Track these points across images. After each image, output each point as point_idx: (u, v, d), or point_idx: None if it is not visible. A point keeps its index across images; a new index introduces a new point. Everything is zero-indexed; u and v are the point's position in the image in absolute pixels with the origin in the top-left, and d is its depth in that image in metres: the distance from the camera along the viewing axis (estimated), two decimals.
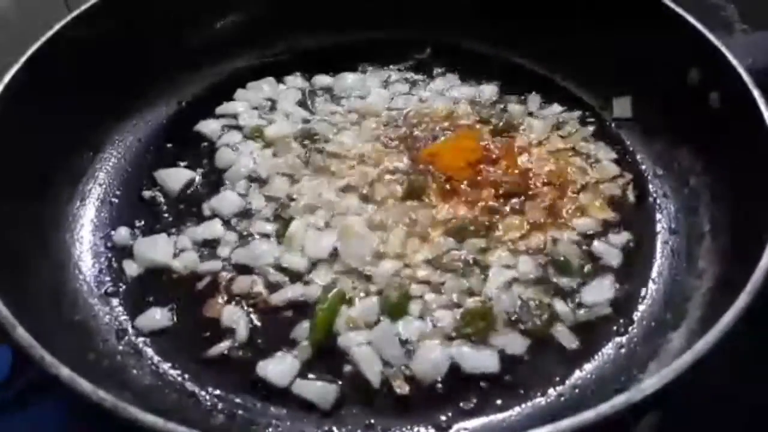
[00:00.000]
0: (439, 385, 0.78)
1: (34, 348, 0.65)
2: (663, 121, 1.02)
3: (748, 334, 0.70)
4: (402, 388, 0.78)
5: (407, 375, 0.79)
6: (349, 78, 1.15)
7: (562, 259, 0.89)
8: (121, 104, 1.07)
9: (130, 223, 0.95)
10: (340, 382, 0.79)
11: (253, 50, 1.18)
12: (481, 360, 0.80)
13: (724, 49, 0.90)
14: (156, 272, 0.90)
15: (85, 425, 0.83)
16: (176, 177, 1.00)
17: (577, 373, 0.80)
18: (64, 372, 0.63)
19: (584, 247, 0.91)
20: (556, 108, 1.10)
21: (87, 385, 0.62)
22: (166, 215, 0.97)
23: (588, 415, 0.61)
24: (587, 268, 0.89)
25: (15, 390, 0.85)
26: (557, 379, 0.80)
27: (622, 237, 0.93)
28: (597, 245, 0.92)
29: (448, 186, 0.97)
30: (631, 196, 0.98)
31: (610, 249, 0.91)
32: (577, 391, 0.79)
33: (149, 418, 0.60)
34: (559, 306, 0.85)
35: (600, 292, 0.87)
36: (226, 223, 0.94)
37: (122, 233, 0.94)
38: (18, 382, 0.85)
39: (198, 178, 1.01)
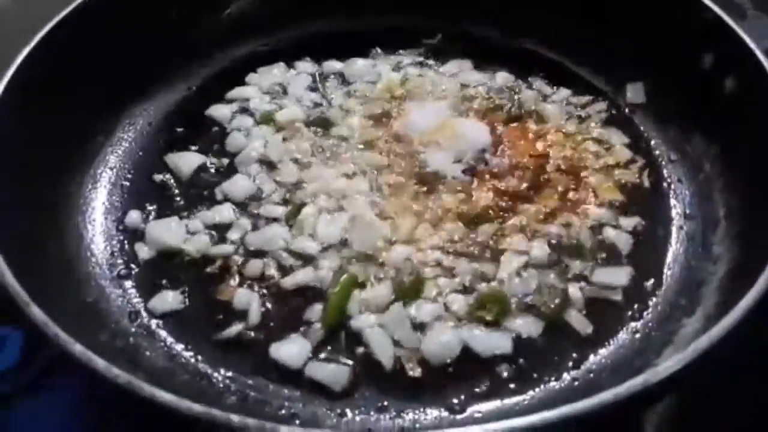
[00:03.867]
0: (452, 368, 0.78)
1: (48, 326, 0.65)
2: (677, 106, 1.01)
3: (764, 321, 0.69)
4: (414, 370, 0.78)
5: (420, 357, 0.78)
6: (360, 63, 1.14)
7: (575, 243, 0.89)
8: (132, 89, 1.06)
9: (141, 206, 0.95)
10: (352, 364, 0.78)
11: (263, 35, 1.18)
12: (493, 342, 0.79)
13: (741, 33, 0.90)
14: (168, 255, 0.89)
15: (94, 411, 0.83)
16: (187, 161, 1.00)
17: (592, 358, 0.80)
18: (78, 349, 0.62)
19: (598, 233, 0.91)
20: (570, 93, 1.09)
21: (101, 362, 0.62)
22: (177, 199, 0.96)
23: (604, 397, 0.61)
24: (600, 253, 0.89)
25: (24, 377, 0.85)
26: (571, 363, 0.79)
27: (636, 222, 0.92)
28: (610, 231, 0.91)
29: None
30: (645, 182, 0.98)
31: (624, 234, 0.91)
32: (591, 375, 0.78)
33: (164, 395, 0.60)
34: (573, 290, 0.85)
35: (614, 277, 0.86)
36: (238, 207, 0.94)
37: (134, 216, 0.94)
38: (27, 369, 0.85)
39: (209, 162, 1.01)
